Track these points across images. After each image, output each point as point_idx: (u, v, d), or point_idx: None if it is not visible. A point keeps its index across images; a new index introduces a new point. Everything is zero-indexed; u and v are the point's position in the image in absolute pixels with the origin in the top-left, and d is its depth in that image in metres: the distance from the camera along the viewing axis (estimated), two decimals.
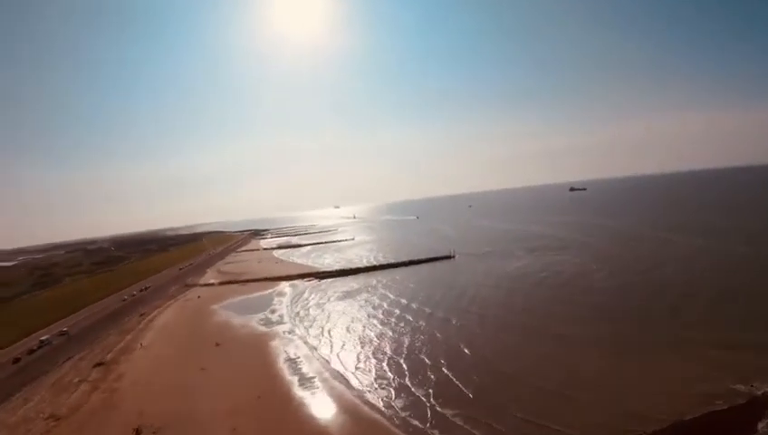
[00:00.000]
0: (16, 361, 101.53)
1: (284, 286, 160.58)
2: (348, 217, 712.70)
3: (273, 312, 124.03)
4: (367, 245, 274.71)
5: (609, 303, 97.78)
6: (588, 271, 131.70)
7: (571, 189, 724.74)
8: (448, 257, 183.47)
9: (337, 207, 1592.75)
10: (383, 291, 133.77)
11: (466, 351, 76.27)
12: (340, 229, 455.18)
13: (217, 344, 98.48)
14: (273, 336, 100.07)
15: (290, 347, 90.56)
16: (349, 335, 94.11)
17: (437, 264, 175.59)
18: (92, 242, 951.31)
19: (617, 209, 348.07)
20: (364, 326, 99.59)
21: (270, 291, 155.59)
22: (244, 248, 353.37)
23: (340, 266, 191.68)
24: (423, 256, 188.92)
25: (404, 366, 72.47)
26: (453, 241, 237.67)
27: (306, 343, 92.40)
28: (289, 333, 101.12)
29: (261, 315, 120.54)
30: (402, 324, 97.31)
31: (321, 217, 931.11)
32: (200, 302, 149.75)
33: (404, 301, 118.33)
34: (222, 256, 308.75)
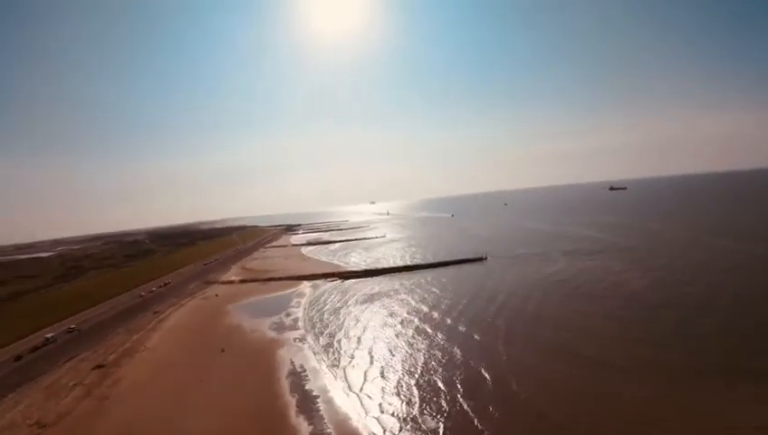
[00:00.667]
0: (18, 358, 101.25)
1: (305, 287, 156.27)
2: (381, 214, 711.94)
3: (288, 315, 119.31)
4: (396, 243, 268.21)
5: (652, 319, 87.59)
6: (629, 279, 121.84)
7: (611, 188, 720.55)
8: (480, 260, 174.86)
9: (372, 202, 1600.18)
10: (405, 296, 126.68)
11: (487, 376, 67.86)
12: (371, 226, 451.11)
13: (223, 350, 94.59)
14: (282, 344, 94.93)
15: (297, 357, 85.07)
16: (360, 348, 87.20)
17: (468, 266, 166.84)
18: (131, 234, 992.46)
19: (659, 210, 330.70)
20: (378, 338, 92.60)
21: (290, 291, 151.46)
22: (273, 244, 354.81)
23: (365, 266, 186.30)
24: (452, 258, 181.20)
25: (415, 392, 65.01)
26: (486, 241, 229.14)
27: (315, 353, 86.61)
28: (300, 340, 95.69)
29: (275, 319, 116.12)
30: (420, 338, 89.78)
31: (356, 212, 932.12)
32: (217, 301, 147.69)
33: (425, 309, 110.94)
34: (250, 251, 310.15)
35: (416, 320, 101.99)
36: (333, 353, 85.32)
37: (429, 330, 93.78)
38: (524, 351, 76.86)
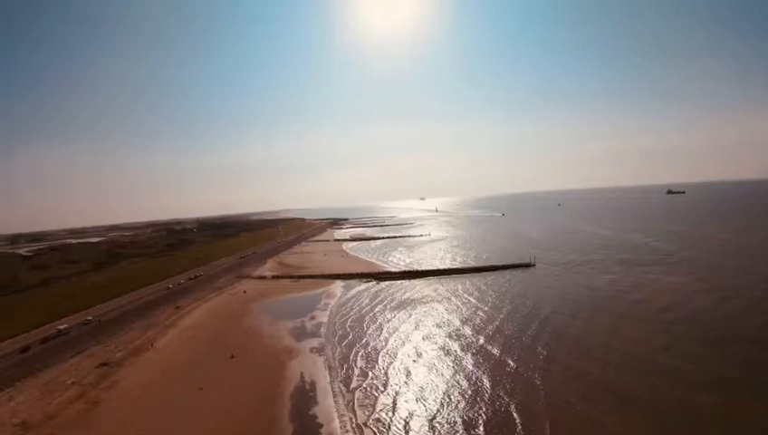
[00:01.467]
0: (25, 350, 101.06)
1: (337, 287, 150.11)
2: (430, 211, 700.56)
3: (312, 319, 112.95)
4: (440, 243, 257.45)
5: (721, 357, 72.03)
6: (691, 298, 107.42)
7: (669, 192, 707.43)
8: (527, 266, 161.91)
9: (422, 198, 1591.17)
10: (438, 305, 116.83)
11: (517, 419, 56.82)
12: (417, 223, 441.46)
13: (232, 357, 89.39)
14: (297, 354, 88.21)
15: (309, 372, 77.80)
16: (377, 368, 77.99)
17: (512, 273, 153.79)
18: (183, 222, 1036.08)
19: (722, 217, 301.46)
20: (399, 357, 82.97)
21: (321, 291, 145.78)
22: (315, 238, 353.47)
23: (402, 267, 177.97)
24: (498, 263, 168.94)
25: (428, 429, 55.30)
26: (536, 245, 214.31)
27: (330, 368, 78.96)
28: (317, 352, 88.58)
29: (297, 322, 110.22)
30: (445, 360, 79.59)
31: (405, 208, 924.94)
32: (243, 298, 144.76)
33: (457, 323, 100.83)
34: (290, 245, 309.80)
35: (444, 336, 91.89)
36: (348, 371, 77.06)
37: (458, 350, 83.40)
38: (565, 388, 64.36)
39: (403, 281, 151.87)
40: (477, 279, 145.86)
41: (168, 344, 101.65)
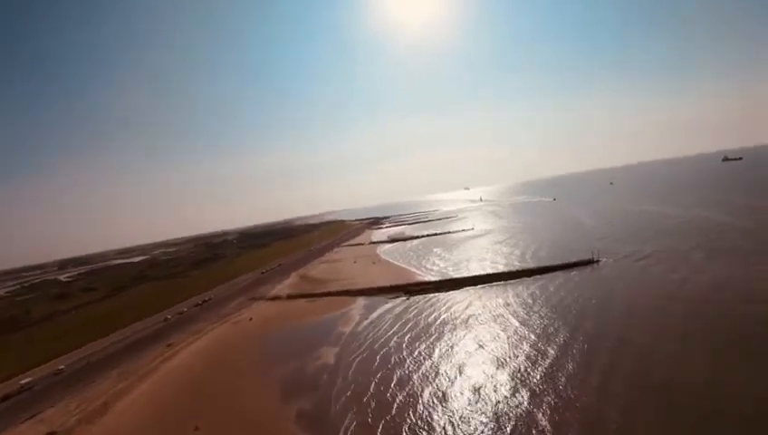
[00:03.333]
0: None
1: (358, 307, 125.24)
2: (474, 200, 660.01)
3: (316, 359, 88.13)
4: (484, 238, 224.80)
5: None
6: None
7: (725, 159, 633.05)
8: (589, 263, 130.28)
9: (467, 188, 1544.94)
10: (470, 333, 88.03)
11: None
12: (460, 216, 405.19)
13: (196, 429, 65.73)
14: (278, 428, 62.89)
15: None
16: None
17: (572, 274, 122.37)
18: (226, 234, 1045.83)
19: None
20: (408, 426, 56.14)
21: (338, 314, 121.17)
22: (349, 242, 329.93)
23: (437, 276, 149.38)
24: (550, 262, 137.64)
25: None
26: (596, 233, 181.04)
27: None
28: (305, 422, 62.88)
29: (295, 366, 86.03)
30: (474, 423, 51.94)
31: (449, 200, 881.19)
32: (244, 329, 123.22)
33: (488, 365, 71.70)
34: (322, 252, 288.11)
35: (471, 391, 63.94)
36: None
37: (487, 420, 55.64)
38: None
39: (437, 294, 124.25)
40: (526, 286, 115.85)
41: (127, 408, 79.83)
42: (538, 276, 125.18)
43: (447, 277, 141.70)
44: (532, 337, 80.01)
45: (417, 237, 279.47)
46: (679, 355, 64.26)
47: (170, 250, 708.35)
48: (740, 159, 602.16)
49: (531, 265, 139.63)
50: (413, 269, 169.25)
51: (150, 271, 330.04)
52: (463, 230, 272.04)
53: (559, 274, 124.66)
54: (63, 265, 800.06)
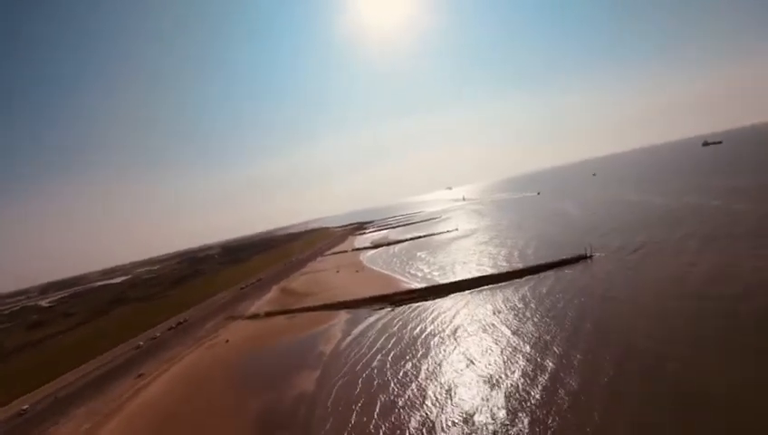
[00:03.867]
0: None
1: (341, 322, 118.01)
2: (457, 200, 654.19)
3: (295, 387, 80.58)
4: (469, 239, 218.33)
5: None
6: None
7: (705, 144, 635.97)
8: (582, 259, 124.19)
9: (449, 188, 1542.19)
10: (460, 346, 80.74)
11: None
12: (444, 217, 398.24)
13: None
14: None
15: None
16: None
17: (565, 272, 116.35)
18: (210, 248, 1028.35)
19: None
20: None
21: (318, 331, 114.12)
22: (332, 250, 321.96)
23: (422, 280, 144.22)
24: (541, 260, 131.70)
25: None
26: (584, 227, 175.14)
27: None
28: None
29: (272, 396, 78.55)
30: None
31: (432, 201, 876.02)
32: (220, 353, 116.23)
33: (480, 383, 64.32)
34: (304, 262, 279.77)
35: (462, 419, 56.63)
36: None
37: None
38: None
39: (422, 303, 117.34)
40: (516, 289, 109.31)
41: None
42: (529, 277, 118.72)
43: (433, 283, 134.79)
44: (527, 349, 73.32)
45: (401, 241, 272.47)
46: (694, 362, 58.25)
47: (154, 268, 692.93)
48: (720, 142, 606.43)
49: (519, 265, 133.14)
50: (397, 276, 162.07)
51: (130, 292, 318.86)
52: (447, 231, 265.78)
53: (550, 273, 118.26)
54: (46, 289, 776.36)
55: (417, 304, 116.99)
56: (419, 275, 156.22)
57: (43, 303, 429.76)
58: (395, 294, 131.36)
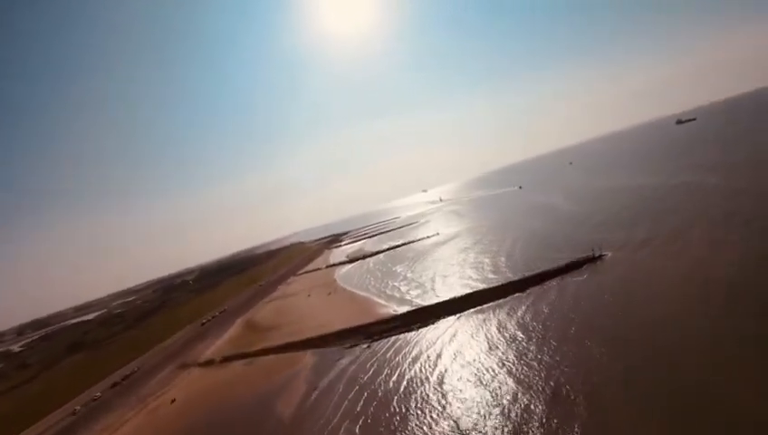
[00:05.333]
0: None
1: (307, 366, 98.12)
2: (434, 202, 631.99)
3: None
4: (451, 244, 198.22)
5: None
6: None
7: (679, 122, 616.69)
8: (592, 260, 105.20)
9: (425, 190, 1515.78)
10: (449, 406, 60.35)
11: None
12: (422, 221, 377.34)
13: None
14: None
15: None
16: None
17: (574, 280, 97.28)
18: (188, 272, 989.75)
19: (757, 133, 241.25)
20: None
21: (281, 381, 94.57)
22: (306, 268, 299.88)
23: (401, 301, 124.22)
24: (538, 265, 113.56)
25: None
26: (577, 221, 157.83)
27: None
28: None
29: None
30: None
31: (408, 205, 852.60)
32: (162, 421, 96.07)
33: None
34: (275, 285, 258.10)
35: None
36: None
37: None
38: None
39: (403, 334, 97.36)
40: (513, 310, 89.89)
41: None
42: (530, 290, 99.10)
43: (413, 307, 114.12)
44: (540, 409, 53.79)
45: (378, 253, 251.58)
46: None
47: (129, 299, 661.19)
48: (694, 119, 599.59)
49: (512, 275, 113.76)
50: (373, 298, 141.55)
51: (96, 331, 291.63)
52: (427, 237, 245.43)
53: (553, 283, 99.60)
54: (23, 330, 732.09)
55: (394, 337, 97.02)
56: (397, 295, 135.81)
57: (15, 347, 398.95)
58: (370, 324, 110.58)
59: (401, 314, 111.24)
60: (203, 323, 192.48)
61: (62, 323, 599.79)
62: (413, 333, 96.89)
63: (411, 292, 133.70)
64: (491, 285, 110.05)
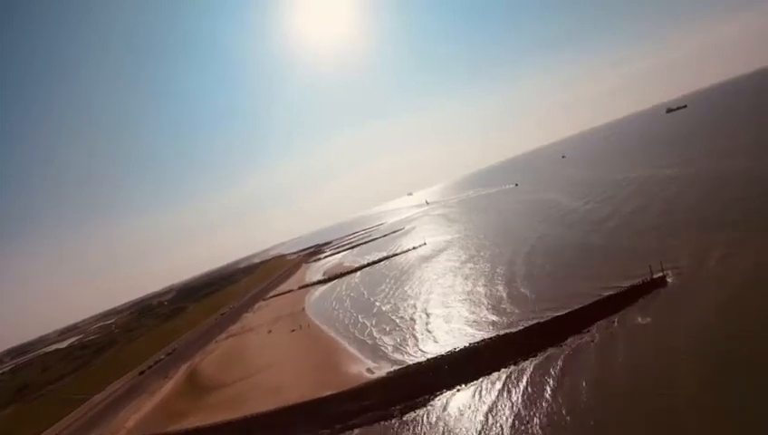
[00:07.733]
0: None
1: None
2: (420, 205, 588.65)
3: None
4: (442, 258, 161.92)
5: None
6: None
7: (669, 110, 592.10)
8: (649, 286, 70.89)
9: (410, 194, 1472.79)
10: None
11: None
12: (407, 227, 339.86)
13: None
14: None
15: None
16: None
17: (636, 320, 62.84)
18: (168, 291, 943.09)
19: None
20: None
21: None
22: (277, 289, 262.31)
23: (374, 352, 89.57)
24: (574, 293, 78.83)
25: None
26: (595, 221, 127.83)
27: None
28: None
29: None
30: None
31: (394, 210, 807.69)
32: None
33: None
34: (240, 312, 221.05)
35: None
36: None
37: None
38: None
39: (379, 422, 62.17)
40: (552, 371, 55.78)
41: None
42: (566, 340, 64.44)
43: (395, 365, 79.01)
44: None
45: (358, 269, 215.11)
46: None
47: (109, 322, 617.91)
48: (684, 106, 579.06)
49: (533, 310, 79.48)
50: (344, 344, 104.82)
51: (52, 369, 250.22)
52: (413, 248, 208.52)
53: (602, 325, 65.09)
54: (4, 357, 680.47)
55: (361, 419, 61.71)
56: (370, 342, 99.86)
57: None
58: (333, 398, 74.22)
59: (375, 382, 75.08)
60: (141, 373, 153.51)
61: (40, 351, 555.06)
62: (392, 421, 61.42)
63: (392, 335, 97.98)
64: (503, 331, 75.19)
